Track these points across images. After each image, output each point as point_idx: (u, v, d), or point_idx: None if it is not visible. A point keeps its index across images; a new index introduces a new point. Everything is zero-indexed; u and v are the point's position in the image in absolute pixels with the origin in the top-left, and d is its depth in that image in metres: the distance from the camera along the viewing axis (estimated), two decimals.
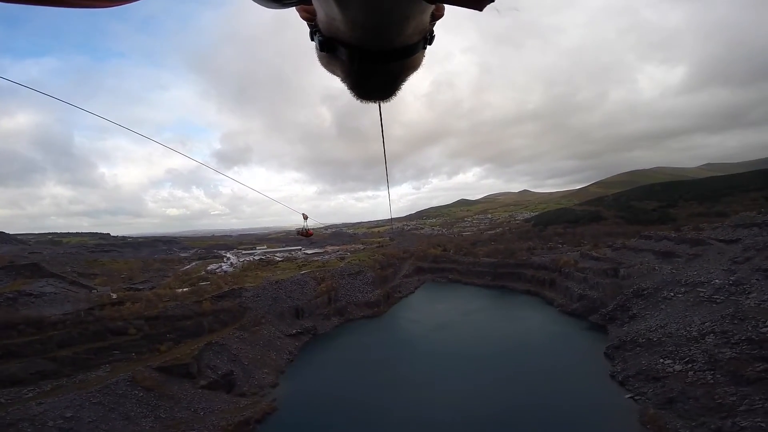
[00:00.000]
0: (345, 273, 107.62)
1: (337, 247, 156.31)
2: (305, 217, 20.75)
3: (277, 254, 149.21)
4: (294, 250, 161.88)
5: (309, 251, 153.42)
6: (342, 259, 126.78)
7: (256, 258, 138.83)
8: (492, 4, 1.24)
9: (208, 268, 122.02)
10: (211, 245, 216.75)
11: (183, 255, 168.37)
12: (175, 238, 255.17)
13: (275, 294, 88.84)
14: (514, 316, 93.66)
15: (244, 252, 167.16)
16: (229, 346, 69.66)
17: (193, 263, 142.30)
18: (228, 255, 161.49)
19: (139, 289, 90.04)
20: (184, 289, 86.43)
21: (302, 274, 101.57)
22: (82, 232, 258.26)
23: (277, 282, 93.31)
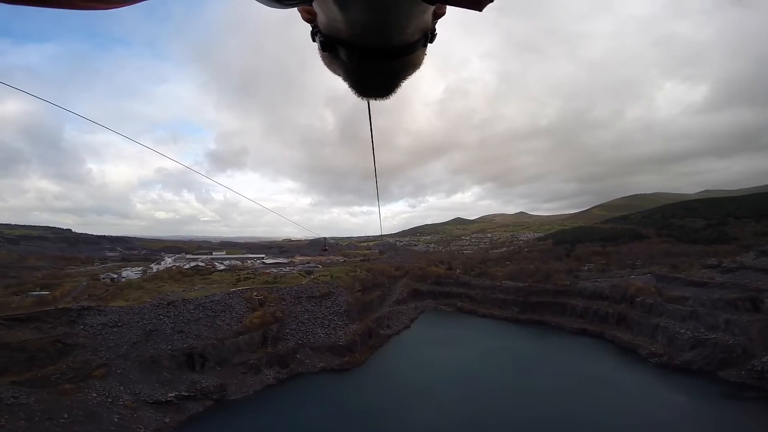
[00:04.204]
0: (304, 295, 64.56)
1: (309, 258, 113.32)
2: (325, 238, 40.98)
3: (226, 261, 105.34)
4: (253, 258, 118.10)
5: (269, 261, 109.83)
6: (308, 273, 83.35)
7: (192, 264, 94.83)
8: (491, 4, 1.19)
9: (107, 274, 77.53)
10: (165, 247, 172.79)
11: (109, 254, 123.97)
12: (132, 238, 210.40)
13: (154, 324, 45.58)
14: (590, 375, 52.81)
15: (189, 257, 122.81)
16: None
17: (108, 264, 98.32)
18: (166, 258, 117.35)
19: None
20: None
21: (230, 293, 58.12)
22: (38, 226, 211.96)
23: (170, 303, 49.67)
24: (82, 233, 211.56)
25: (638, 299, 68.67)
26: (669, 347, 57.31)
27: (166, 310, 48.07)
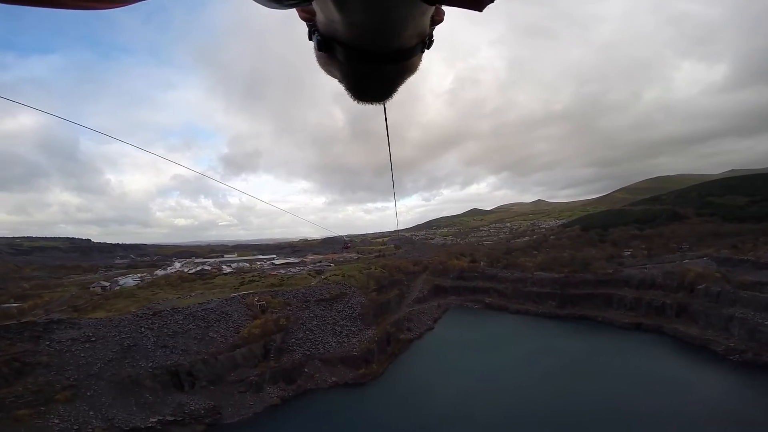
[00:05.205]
0: (312, 298, 56.64)
1: (321, 257, 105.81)
2: (345, 238, 77.82)
3: (233, 264, 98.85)
4: (263, 259, 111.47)
5: (279, 261, 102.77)
6: (318, 273, 75.45)
7: (197, 269, 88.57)
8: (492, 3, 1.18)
9: (98, 282, 71.58)
10: (178, 252, 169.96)
11: (118, 262, 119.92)
12: (147, 245, 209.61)
13: (133, 338, 38.50)
14: (661, 377, 43.86)
15: (198, 260, 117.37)
16: None
17: (111, 272, 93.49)
18: (175, 263, 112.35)
19: None
20: None
21: (228, 299, 50.69)
22: (58, 237, 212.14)
23: (156, 314, 42.44)
24: (99, 243, 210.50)
25: (700, 287, 58.23)
26: (752, 342, 47.20)
27: (149, 321, 40.89)
